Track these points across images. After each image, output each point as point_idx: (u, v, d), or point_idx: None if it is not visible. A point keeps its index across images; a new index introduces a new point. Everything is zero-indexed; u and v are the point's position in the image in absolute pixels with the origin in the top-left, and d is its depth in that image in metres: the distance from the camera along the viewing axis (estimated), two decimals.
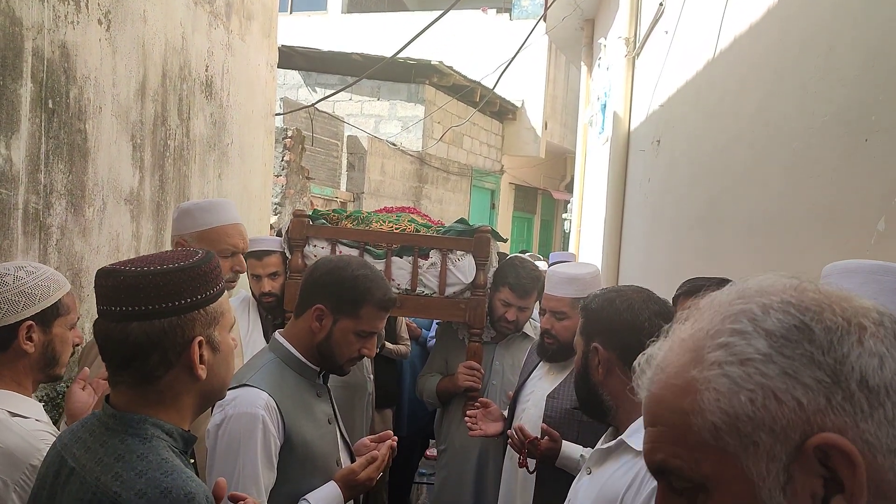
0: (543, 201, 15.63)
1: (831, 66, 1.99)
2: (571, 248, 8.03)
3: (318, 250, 2.76)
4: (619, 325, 1.50)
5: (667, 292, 3.42)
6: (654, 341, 1.52)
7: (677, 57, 3.76)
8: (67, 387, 1.74)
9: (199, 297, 1.15)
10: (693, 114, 3.42)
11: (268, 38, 4.56)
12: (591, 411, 1.60)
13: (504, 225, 13.57)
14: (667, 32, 3.93)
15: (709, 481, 0.59)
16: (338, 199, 8.64)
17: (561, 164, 15.01)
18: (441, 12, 4.96)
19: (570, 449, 2.11)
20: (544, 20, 7.79)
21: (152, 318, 1.10)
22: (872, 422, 0.55)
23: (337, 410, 1.85)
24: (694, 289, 2.04)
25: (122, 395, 1.15)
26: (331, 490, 1.68)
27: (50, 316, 1.54)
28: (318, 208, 3.30)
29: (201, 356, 1.15)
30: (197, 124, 3.42)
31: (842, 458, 0.54)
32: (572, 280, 2.34)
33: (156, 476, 1.04)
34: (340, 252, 2.77)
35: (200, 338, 1.14)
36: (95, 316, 2.46)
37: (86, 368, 1.74)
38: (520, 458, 2.18)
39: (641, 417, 1.46)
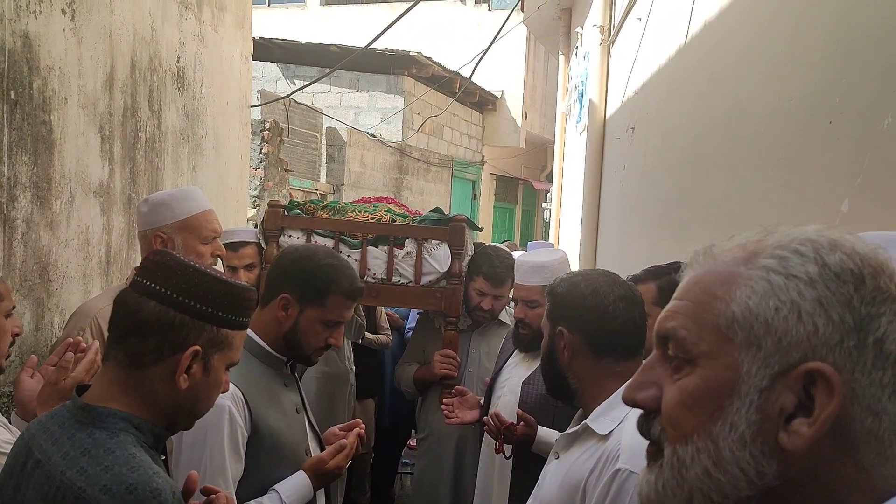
0: (524, 191, 15.66)
1: (797, 49, 2.00)
2: (551, 237, 8.06)
3: (293, 241, 2.75)
4: (583, 308, 1.52)
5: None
6: (618, 324, 1.52)
7: (650, 44, 3.78)
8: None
9: (219, 313, 1.16)
10: (665, 100, 3.44)
11: (241, 29, 4.51)
12: (558, 393, 1.61)
13: (485, 215, 13.58)
14: (640, 19, 3.95)
15: (701, 358, 0.65)
16: (317, 192, 8.60)
17: (541, 154, 15.04)
18: (415, 1, 4.93)
19: (546, 434, 2.13)
20: (521, 9, 7.78)
21: (170, 305, 1.12)
22: (868, 378, 0.59)
23: (305, 399, 1.84)
24: (643, 277, 2.05)
25: (103, 379, 1.15)
26: (300, 479, 1.67)
27: None
28: (295, 199, 3.28)
29: (191, 367, 1.14)
30: (169, 116, 3.38)
31: (825, 388, 0.59)
32: (540, 268, 2.35)
33: (122, 472, 1.03)
34: (315, 242, 2.76)
35: (198, 347, 1.14)
36: (66, 310, 2.43)
37: (33, 356, 1.71)
38: (496, 445, 2.19)
39: (606, 401, 1.48)
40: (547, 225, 9.18)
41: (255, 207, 6.78)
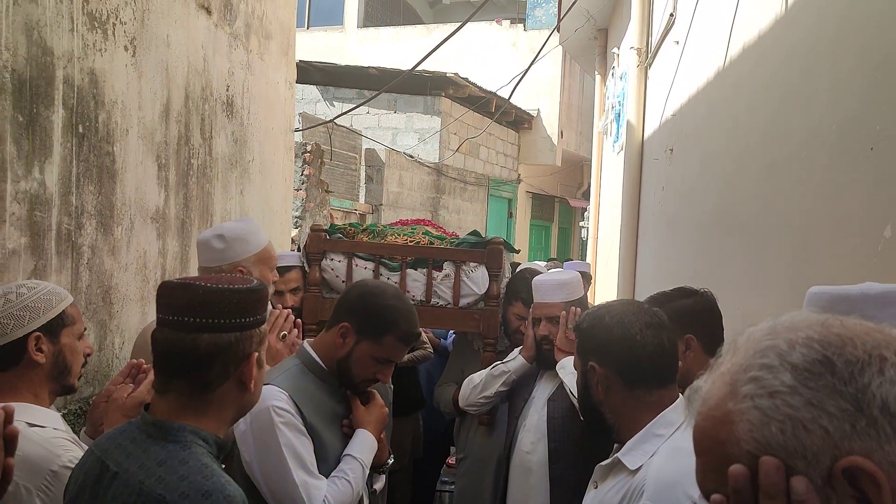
0: (561, 209, 15.63)
1: (838, 75, 2.02)
2: (588, 256, 8.05)
3: (335, 264, 2.84)
4: (611, 341, 1.52)
5: None
6: (648, 352, 1.55)
7: (688, 66, 3.80)
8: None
9: (258, 317, 1.27)
10: (704, 122, 3.45)
11: (286, 56, 4.66)
12: (597, 430, 1.61)
13: (521, 233, 13.59)
14: (677, 42, 3.97)
15: None
16: (357, 212, 8.75)
17: (577, 172, 15.02)
18: (458, 25, 5.04)
19: None
20: (558, 31, 7.85)
21: (222, 331, 1.21)
22: None
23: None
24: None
25: (168, 403, 1.23)
26: (361, 436, 1.80)
27: (56, 326, 1.60)
28: (335, 223, 3.38)
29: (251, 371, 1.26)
30: (219, 143, 3.52)
31: (868, 478, 0.58)
32: (562, 285, 2.45)
33: (197, 479, 1.13)
34: (356, 265, 2.84)
35: (257, 353, 1.26)
36: (126, 331, 2.54)
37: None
38: None
39: (638, 435, 1.53)
40: (584, 243, 9.16)
41: (297, 228, 6.94)
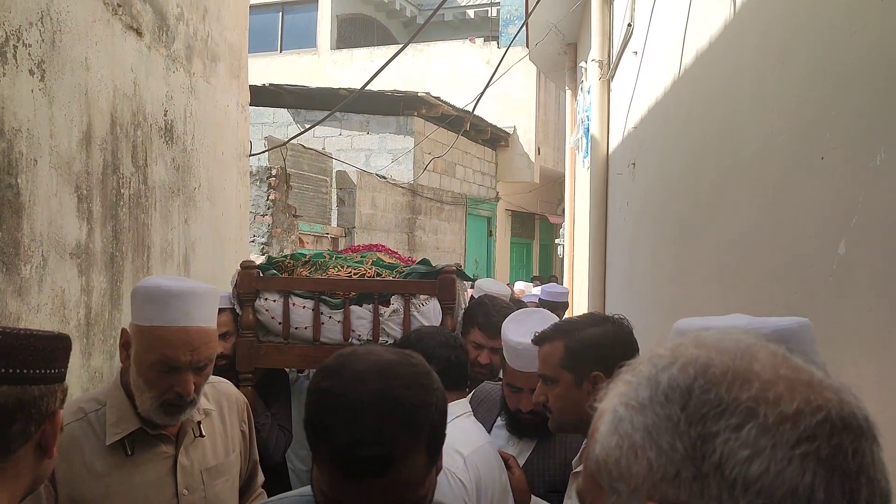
0: (541, 226, 15.55)
1: (785, 82, 1.91)
2: (565, 273, 7.91)
3: (270, 304, 2.60)
4: None
5: (648, 314, 3.30)
6: (440, 367, 1.59)
7: (647, 78, 3.69)
8: None
9: (63, 370, 1.10)
10: (663, 135, 3.33)
11: (237, 79, 4.51)
12: None
13: (502, 251, 13.47)
14: (636, 53, 3.86)
15: None
16: (329, 235, 8.57)
17: (557, 187, 14.96)
18: (420, 40, 4.91)
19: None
20: (527, 45, 7.78)
21: (26, 382, 1.03)
22: None
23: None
24: (550, 335, 1.92)
25: None
26: None
27: None
28: (273, 255, 3.17)
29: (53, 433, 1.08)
30: (156, 170, 3.34)
31: None
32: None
33: None
34: (294, 304, 2.61)
35: (59, 410, 1.08)
36: None
37: None
38: None
39: None
40: (562, 261, 9.03)
41: (263, 254, 6.76)
